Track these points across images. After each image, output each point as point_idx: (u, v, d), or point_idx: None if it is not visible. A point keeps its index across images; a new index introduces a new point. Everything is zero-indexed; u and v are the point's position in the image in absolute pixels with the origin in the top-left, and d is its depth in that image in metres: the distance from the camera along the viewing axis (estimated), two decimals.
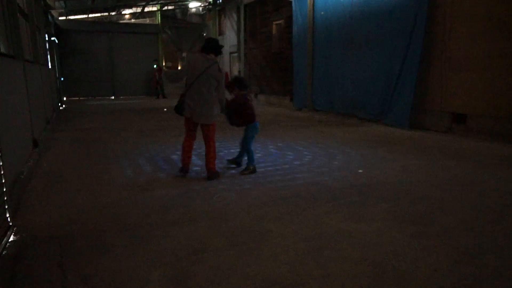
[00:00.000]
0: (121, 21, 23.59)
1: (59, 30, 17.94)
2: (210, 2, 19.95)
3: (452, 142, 6.95)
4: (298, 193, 4.07)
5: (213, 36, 19.97)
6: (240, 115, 4.95)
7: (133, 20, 23.80)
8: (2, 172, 3.16)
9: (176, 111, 4.75)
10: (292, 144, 6.86)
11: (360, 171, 4.95)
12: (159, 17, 21.87)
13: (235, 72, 18.39)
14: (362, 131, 8.34)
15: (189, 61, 4.80)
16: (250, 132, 5.00)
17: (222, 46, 4.84)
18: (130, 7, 21.63)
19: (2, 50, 4.50)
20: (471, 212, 3.48)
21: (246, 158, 5.07)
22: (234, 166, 5.21)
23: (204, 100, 4.52)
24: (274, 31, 14.59)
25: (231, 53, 18.79)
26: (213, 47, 4.67)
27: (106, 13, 21.63)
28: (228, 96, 4.90)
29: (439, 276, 2.39)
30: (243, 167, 5.04)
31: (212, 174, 4.69)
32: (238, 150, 5.33)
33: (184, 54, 23.48)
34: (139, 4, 19.43)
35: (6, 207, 3.16)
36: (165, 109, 13.72)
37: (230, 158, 5.41)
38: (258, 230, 3.10)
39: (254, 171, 4.92)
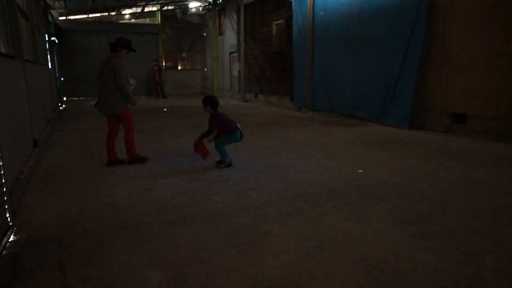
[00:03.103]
0: (121, 21, 23.56)
1: (59, 30, 17.95)
2: (210, 2, 19.93)
3: (452, 142, 6.95)
4: (298, 193, 4.07)
5: (213, 36, 19.98)
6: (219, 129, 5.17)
7: (133, 20, 23.76)
8: (2, 172, 3.16)
9: (95, 107, 5.31)
10: (293, 144, 6.86)
11: (360, 171, 4.95)
12: (159, 17, 21.86)
13: (235, 72, 18.38)
14: (362, 131, 8.34)
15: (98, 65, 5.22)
16: (225, 138, 5.15)
17: (120, 42, 5.17)
18: (130, 7, 21.60)
19: (2, 50, 4.50)
20: (471, 212, 3.48)
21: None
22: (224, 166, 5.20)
23: (104, 92, 5.06)
24: (274, 31, 14.58)
25: (231, 53, 18.77)
26: (113, 44, 5.15)
27: (106, 13, 21.60)
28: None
29: (439, 276, 2.39)
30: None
31: (132, 159, 5.35)
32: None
33: (184, 54, 23.45)
34: (139, 4, 19.42)
35: (6, 207, 3.16)
36: (165, 109, 13.73)
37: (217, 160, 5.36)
38: (258, 230, 3.10)
39: (229, 165, 5.19)
